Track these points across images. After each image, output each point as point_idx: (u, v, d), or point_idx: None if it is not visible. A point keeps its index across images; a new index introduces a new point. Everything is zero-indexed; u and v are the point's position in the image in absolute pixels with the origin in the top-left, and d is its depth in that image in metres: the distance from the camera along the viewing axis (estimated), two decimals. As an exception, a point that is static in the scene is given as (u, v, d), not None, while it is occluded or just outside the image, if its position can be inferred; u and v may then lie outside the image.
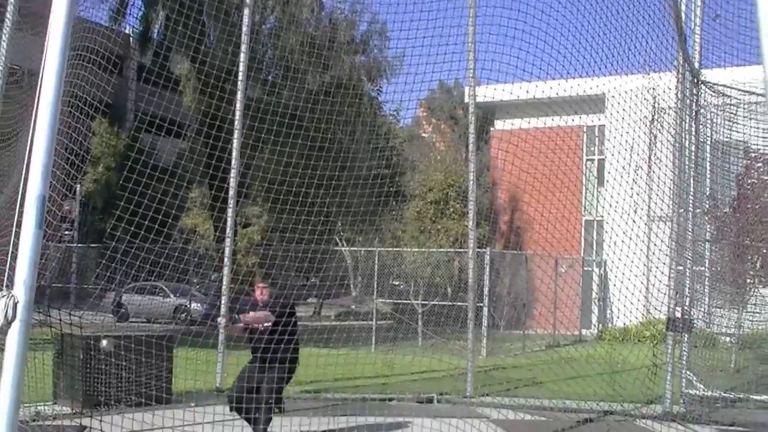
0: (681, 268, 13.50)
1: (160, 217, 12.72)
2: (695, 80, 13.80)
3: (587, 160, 34.63)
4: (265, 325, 9.77)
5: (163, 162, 22.80)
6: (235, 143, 13.94)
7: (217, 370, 13.85)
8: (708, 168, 15.68)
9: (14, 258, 4.70)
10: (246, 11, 13.99)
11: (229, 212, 14.07)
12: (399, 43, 14.81)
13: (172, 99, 20.05)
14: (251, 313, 9.97)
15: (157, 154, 28.00)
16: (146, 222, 12.39)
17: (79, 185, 36.72)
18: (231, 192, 13.97)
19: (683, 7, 13.21)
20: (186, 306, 32.35)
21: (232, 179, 13.93)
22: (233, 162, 13.97)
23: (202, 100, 23.74)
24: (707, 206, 16.90)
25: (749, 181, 18.09)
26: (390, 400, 13.68)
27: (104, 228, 38.21)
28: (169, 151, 30.28)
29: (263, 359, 9.62)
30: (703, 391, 13.38)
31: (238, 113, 13.90)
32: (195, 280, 32.19)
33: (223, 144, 14.57)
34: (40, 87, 4.98)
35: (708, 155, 15.46)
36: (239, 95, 13.91)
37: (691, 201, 13.97)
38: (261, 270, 27.70)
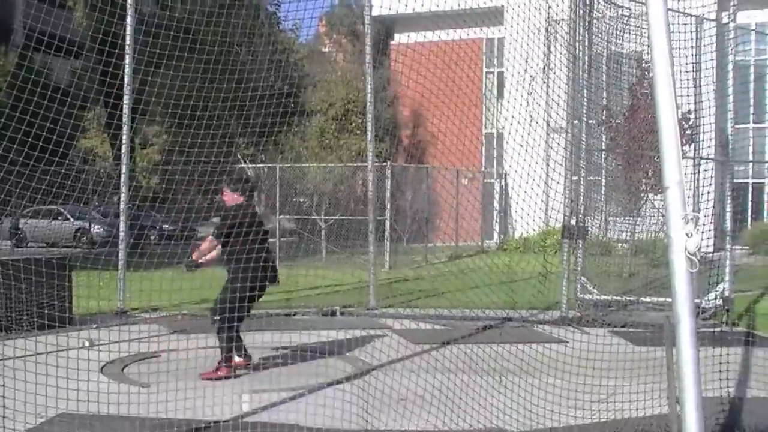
0: (576, 177, 13.83)
1: (55, 138, 12.37)
2: (588, -9, 13.95)
3: (487, 73, 34.86)
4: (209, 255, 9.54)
5: (56, 81, 22.10)
6: (128, 59, 13.59)
7: (120, 291, 13.74)
8: (603, 79, 15.96)
9: None
10: None
11: (124, 131, 13.80)
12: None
13: (63, 15, 19.38)
14: (198, 248, 9.64)
15: (50, 73, 27.10)
16: (41, 143, 12.05)
17: (-33, 107, 35.39)
18: (125, 110, 13.67)
19: None
20: (86, 228, 31.82)
21: (125, 97, 13.62)
22: (126, 80, 13.64)
23: (94, 16, 22.98)
24: (603, 117, 17.25)
25: (642, 91, 18.48)
26: (294, 314, 13.82)
27: (-3, 151, 37.01)
28: (63, 70, 29.33)
29: (230, 267, 9.39)
30: (597, 295, 13.87)
31: (129, 28, 13.52)
32: (95, 202, 31.60)
33: (117, 62, 14.17)
34: None
35: (603, 66, 15.72)
36: (129, 10, 13.51)
37: (584, 111, 14.24)
38: (162, 188, 27.33)
